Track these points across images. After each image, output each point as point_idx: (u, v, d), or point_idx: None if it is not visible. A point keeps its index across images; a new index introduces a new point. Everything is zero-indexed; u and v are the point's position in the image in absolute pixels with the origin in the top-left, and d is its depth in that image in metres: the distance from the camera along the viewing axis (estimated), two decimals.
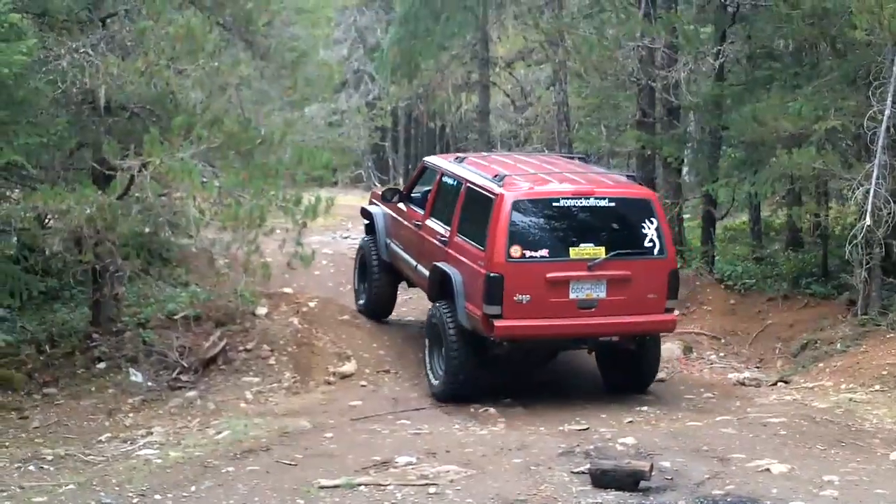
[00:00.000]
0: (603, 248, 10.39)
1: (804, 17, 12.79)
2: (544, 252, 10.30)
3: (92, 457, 8.88)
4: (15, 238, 12.06)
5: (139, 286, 13.24)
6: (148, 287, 13.11)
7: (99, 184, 10.61)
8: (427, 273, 11.39)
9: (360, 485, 7.40)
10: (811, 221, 15.60)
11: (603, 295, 10.37)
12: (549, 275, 10.24)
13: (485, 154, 13.16)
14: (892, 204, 11.49)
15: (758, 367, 12.55)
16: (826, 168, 12.24)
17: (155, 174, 9.92)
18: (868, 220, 11.32)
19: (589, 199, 10.54)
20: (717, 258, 15.78)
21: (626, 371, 11.22)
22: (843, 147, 13.63)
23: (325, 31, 14.41)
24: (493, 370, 11.09)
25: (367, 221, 13.59)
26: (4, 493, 7.66)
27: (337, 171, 26.98)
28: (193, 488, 7.56)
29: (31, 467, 8.49)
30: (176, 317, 12.23)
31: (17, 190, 11.67)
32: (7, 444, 9.48)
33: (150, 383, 11.25)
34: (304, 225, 10.90)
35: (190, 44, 10.31)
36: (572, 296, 10.33)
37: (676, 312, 11.06)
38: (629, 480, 7.15)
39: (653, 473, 7.25)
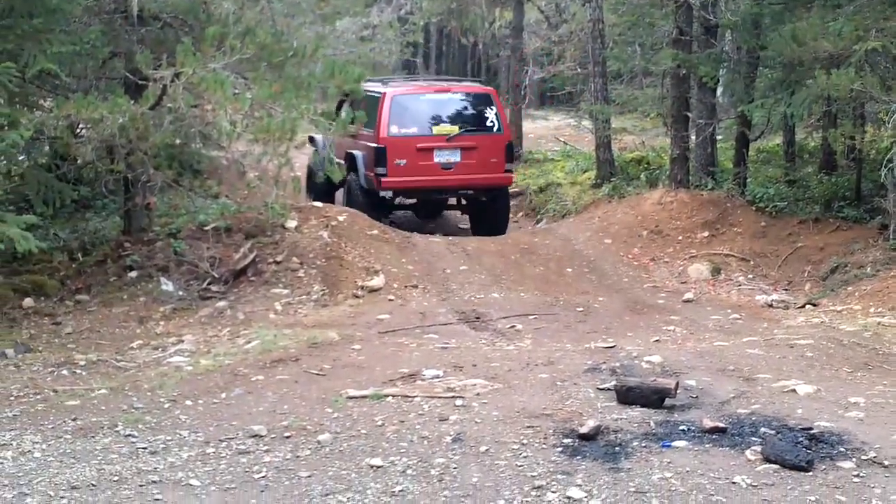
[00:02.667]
0: (457, 127, 15.06)
1: None
2: (415, 130, 14.92)
3: (124, 363, 8.99)
4: (48, 146, 12.12)
5: (170, 197, 13.33)
6: (179, 198, 13.19)
7: (131, 93, 10.61)
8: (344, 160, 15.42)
9: (387, 396, 7.46)
10: (846, 144, 15.39)
11: (458, 159, 14.97)
12: (418, 145, 14.75)
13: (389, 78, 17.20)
14: None
15: (786, 290, 12.51)
16: (864, 90, 12.01)
17: (187, 85, 9.91)
18: None
19: (446, 94, 15.59)
20: (749, 180, 15.63)
21: (487, 222, 15.76)
22: (883, 69, 13.35)
23: None
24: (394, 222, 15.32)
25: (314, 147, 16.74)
26: (39, 396, 7.80)
27: None
28: (224, 395, 7.66)
29: (65, 372, 8.62)
30: (206, 228, 12.30)
31: (50, 99, 11.69)
32: (40, 349, 9.63)
33: (180, 293, 11.36)
34: None
35: None
36: (436, 160, 14.89)
37: (514, 174, 16.12)
38: (654, 397, 7.16)
39: (678, 391, 7.26)
